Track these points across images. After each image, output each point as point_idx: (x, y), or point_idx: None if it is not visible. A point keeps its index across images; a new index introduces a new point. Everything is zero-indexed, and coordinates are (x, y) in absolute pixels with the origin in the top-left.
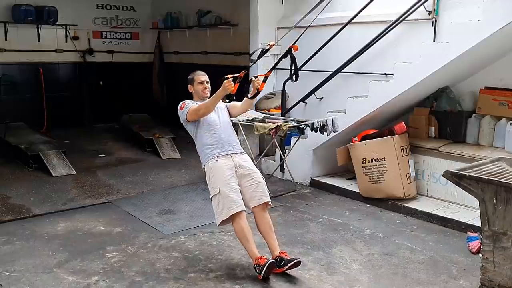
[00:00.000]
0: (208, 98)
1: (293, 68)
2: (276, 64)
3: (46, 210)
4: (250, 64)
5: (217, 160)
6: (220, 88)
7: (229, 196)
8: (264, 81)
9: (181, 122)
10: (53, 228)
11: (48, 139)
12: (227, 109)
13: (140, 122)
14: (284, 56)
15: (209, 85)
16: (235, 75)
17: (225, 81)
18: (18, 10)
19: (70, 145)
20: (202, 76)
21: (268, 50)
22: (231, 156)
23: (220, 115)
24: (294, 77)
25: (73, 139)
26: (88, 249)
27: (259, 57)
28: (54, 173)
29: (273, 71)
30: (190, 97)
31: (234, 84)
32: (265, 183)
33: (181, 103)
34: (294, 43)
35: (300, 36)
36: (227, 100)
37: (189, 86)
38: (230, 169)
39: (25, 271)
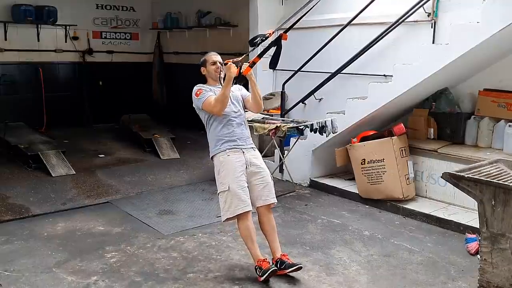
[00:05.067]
0: (222, 81)
1: (276, 56)
2: (265, 51)
3: (45, 210)
4: (250, 50)
5: (228, 155)
6: (226, 77)
7: (238, 195)
8: (251, 66)
9: (194, 107)
10: (52, 228)
11: (48, 139)
12: (243, 100)
13: (139, 122)
14: (273, 43)
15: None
16: (234, 59)
17: (226, 67)
18: (17, 10)
19: (70, 145)
20: (214, 56)
21: (267, 37)
22: (243, 152)
23: (236, 106)
24: (273, 64)
25: (73, 139)
26: (87, 249)
27: (257, 45)
28: (53, 173)
29: (261, 57)
30: (202, 80)
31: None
32: (273, 182)
33: (196, 88)
34: (285, 32)
35: (293, 25)
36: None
37: (202, 69)
38: (241, 166)
39: (25, 271)
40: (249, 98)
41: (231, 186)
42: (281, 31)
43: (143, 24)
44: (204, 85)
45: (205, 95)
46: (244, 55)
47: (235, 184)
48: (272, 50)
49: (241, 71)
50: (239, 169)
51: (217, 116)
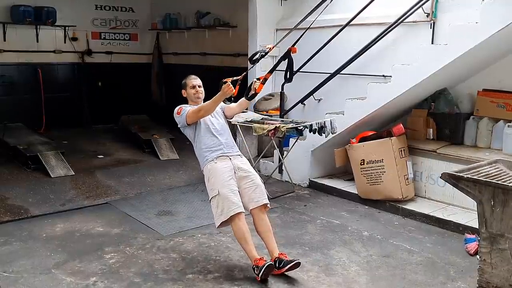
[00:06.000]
0: (202, 102)
1: (288, 70)
2: (276, 66)
3: (44, 211)
4: (249, 67)
5: (216, 162)
6: (220, 93)
7: (228, 197)
8: (263, 83)
9: (179, 127)
10: (51, 229)
11: (47, 140)
12: (223, 111)
13: (139, 123)
14: (283, 58)
15: (201, 89)
16: (234, 78)
17: (224, 86)
18: (17, 11)
19: (69, 146)
20: (194, 80)
21: (267, 53)
22: (230, 158)
23: (217, 118)
24: (287, 79)
25: (72, 140)
26: (86, 250)
27: (258, 60)
28: (52, 174)
29: (272, 73)
30: (202, 80)
31: (234, 87)
32: (264, 185)
33: (177, 108)
34: (293, 45)
35: (299, 38)
36: (228, 102)
37: (183, 91)
38: (229, 171)
39: (23, 272)
40: (231, 107)
41: (220, 191)
42: (271, 45)
43: (142, 24)
44: (184, 104)
45: (185, 110)
46: (244, 73)
47: (224, 188)
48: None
49: (254, 88)
50: (227, 174)
51: (201, 130)
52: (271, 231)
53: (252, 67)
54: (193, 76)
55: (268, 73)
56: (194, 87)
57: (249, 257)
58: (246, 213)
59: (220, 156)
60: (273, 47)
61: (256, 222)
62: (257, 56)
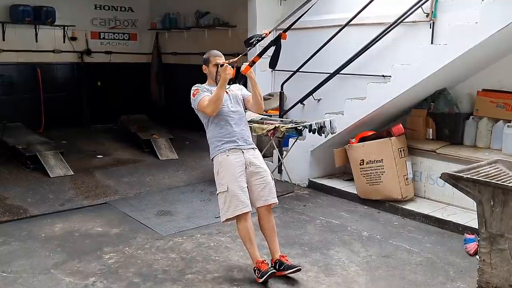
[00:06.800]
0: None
1: (275, 55)
2: (265, 50)
3: (43, 211)
4: (248, 49)
5: (228, 155)
6: (221, 78)
7: (237, 195)
8: (251, 65)
9: (192, 107)
10: (50, 229)
11: (46, 140)
12: (243, 99)
13: (138, 123)
14: (273, 42)
15: None
16: (230, 60)
17: (221, 69)
18: (16, 10)
19: (68, 146)
20: (218, 58)
21: (263, 38)
22: (243, 152)
23: (234, 106)
24: (273, 64)
25: (71, 140)
26: (85, 250)
27: (254, 44)
28: (51, 173)
29: (261, 56)
30: (202, 80)
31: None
32: (274, 182)
33: (193, 88)
34: (284, 31)
35: (291, 25)
36: (228, 86)
37: (204, 67)
38: (240, 166)
39: (22, 272)
40: (250, 98)
41: (230, 187)
42: (279, 31)
43: (142, 24)
44: (202, 85)
45: (200, 95)
46: (240, 55)
47: (234, 184)
48: (271, 50)
49: (240, 70)
50: (238, 169)
51: (215, 116)
52: (276, 231)
53: (248, 50)
54: (217, 53)
55: (256, 56)
56: (217, 65)
57: (252, 258)
58: (253, 211)
59: (233, 149)
60: (269, 32)
61: (262, 221)
62: (253, 40)
